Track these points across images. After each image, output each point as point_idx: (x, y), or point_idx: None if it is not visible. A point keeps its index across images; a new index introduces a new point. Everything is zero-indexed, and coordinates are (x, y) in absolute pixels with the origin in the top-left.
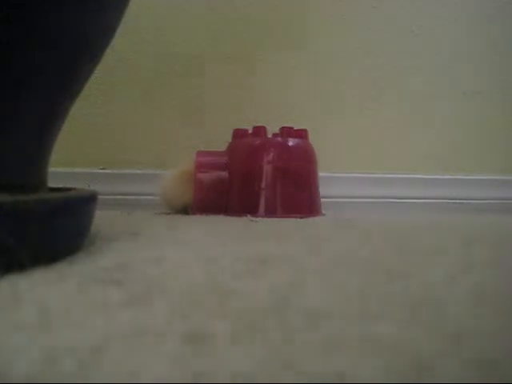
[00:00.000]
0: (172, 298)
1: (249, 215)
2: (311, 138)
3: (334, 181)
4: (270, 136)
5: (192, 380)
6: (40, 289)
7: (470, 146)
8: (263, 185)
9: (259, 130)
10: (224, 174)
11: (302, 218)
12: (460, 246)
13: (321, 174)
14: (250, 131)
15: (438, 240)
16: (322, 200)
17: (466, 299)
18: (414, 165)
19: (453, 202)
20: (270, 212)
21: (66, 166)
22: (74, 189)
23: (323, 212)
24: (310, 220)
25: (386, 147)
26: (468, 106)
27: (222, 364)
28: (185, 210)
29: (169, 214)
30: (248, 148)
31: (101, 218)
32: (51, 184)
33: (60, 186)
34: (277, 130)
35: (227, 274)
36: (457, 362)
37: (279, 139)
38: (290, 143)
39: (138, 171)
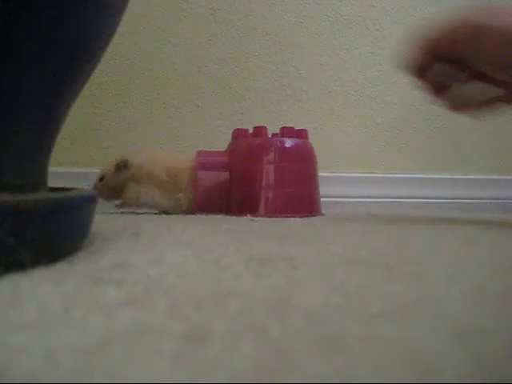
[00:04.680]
0: (172, 298)
1: (249, 215)
2: (311, 138)
3: (333, 181)
4: (270, 136)
5: (192, 380)
6: (40, 289)
7: (470, 146)
8: (263, 184)
9: (260, 130)
10: (224, 173)
11: (302, 217)
12: (460, 245)
13: (321, 173)
14: (250, 131)
15: (437, 239)
16: (321, 200)
17: (466, 299)
18: (413, 165)
19: (453, 202)
20: (270, 212)
21: (66, 165)
22: (74, 189)
23: (323, 212)
24: (310, 220)
25: (387, 147)
26: None
27: (221, 364)
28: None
29: (168, 214)
30: (248, 148)
31: (101, 218)
32: (51, 184)
33: (60, 186)
34: (277, 130)
35: (227, 274)
36: (457, 362)
37: (279, 139)
38: (291, 143)
39: None
